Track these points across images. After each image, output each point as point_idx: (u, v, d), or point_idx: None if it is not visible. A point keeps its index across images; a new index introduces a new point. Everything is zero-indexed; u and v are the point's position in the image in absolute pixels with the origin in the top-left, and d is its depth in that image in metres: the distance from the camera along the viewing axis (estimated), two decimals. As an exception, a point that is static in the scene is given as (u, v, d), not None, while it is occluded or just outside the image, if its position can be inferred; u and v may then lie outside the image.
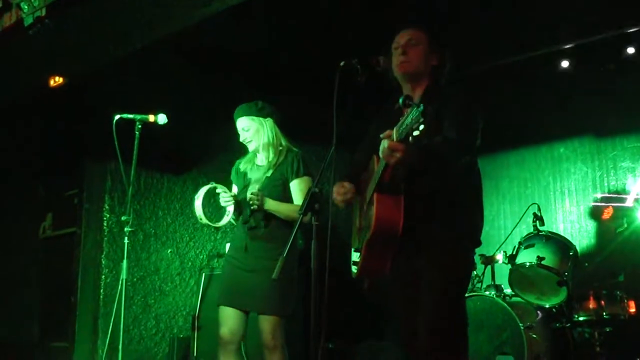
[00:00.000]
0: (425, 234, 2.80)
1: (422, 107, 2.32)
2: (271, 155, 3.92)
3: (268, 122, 3.93)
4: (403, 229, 2.72)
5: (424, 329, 2.74)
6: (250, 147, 3.96)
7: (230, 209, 3.88)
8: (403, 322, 2.94)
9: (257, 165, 3.99)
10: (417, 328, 2.77)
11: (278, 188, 3.85)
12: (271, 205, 3.77)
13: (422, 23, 3.08)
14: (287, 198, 3.86)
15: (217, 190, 3.89)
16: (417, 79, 2.99)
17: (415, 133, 2.35)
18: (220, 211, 4.10)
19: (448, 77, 3.04)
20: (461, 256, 2.88)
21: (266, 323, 3.74)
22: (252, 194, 3.74)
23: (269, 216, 3.80)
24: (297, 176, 3.85)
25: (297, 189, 3.84)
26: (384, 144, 2.54)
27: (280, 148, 3.93)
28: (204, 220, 3.90)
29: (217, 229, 4.09)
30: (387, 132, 2.55)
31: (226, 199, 3.85)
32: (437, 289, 2.76)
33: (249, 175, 3.99)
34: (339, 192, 2.99)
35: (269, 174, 3.89)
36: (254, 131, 3.91)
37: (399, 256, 2.84)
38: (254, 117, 3.92)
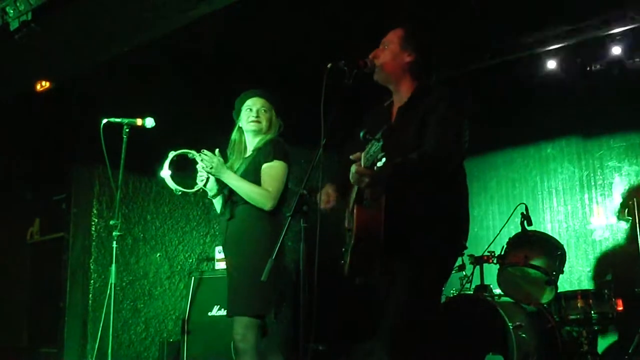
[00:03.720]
0: (404, 244, 2.77)
1: (381, 142, 2.37)
2: (258, 142, 3.77)
3: (277, 118, 3.86)
4: (384, 238, 2.72)
5: (387, 334, 2.75)
6: (251, 127, 3.77)
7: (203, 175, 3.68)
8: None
9: (244, 158, 3.83)
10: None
11: (250, 175, 3.67)
12: (231, 178, 3.62)
13: (402, 21, 3.07)
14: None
15: (197, 159, 3.68)
16: (395, 80, 2.98)
17: (379, 164, 2.39)
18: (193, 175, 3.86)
19: (438, 73, 3.02)
20: (434, 267, 2.82)
21: (236, 324, 3.53)
22: (205, 154, 3.57)
23: (243, 208, 3.64)
24: (266, 161, 3.65)
25: (265, 172, 3.64)
26: (352, 168, 2.58)
27: (267, 138, 3.78)
28: (178, 189, 3.75)
29: (196, 194, 3.89)
30: (357, 154, 2.58)
31: (201, 174, 3.67)
32: (403, 297, 2.75)
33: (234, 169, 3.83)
34: (323, 199, 2.98)
35: (246, 164, 3.74)
36: (269, 116, 3.79)
37: (382, 261, 2.84)
38: (272, 106, 3.83)
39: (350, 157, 2.62)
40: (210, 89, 5.25)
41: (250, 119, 3.75)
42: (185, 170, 3.86)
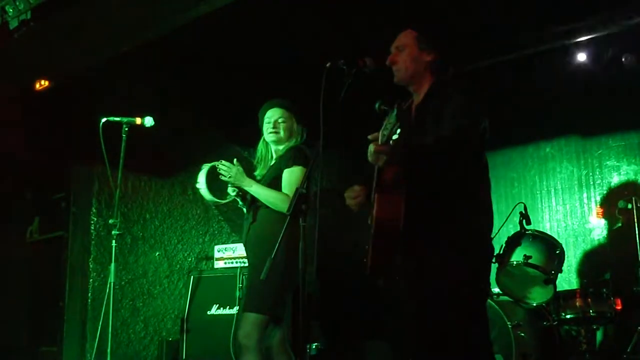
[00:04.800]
0: (425, 235, 2.75)
1: (395, 110, 2.37)
2: (281, 150, 3.92)
3: (298, 125, 3.98)
4: (404, 228, 2.70)
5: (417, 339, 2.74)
6: (270, 138, 3.92)
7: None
8: (405, 321, 2.93)
9: (269, 166, 3.98)
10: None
11: (272, 181, 3.81)
12: (251, 185, 3.77)
13: (413, 22, 3.07)
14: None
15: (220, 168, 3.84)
16: (417, 80, 2.98)
17: (395, 137, 2.38)
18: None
19: (454, 70, 3.01)
20: (462, 257, 2.77)
21: (244, 320, 3.68)
22: (223, 164, 3.75)
23: (264, 212, 3.77)
24: (286, 167, 3.79)
25: (284, 178, 3.77)
26: (370, 147, 2.56)
27: (289, 145, 3.91)
28: (214, 200, 3.94)
29: (226, 205, 4.08)
30: (374, 134, 2.57)
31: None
32: (438, 294, 2.71)
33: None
34: (350, 196, 2.97)
35: (270, 171, 3.89)
36: (288, 126, 3.92)
37: (403, 254, 2.83)
38: (292, 114, 3.96)
39: (369, 137, 2.60)
40: (210, 89, 5.25)
41: (269, 131, 3.92)
42: (218, 181, 3.96)
